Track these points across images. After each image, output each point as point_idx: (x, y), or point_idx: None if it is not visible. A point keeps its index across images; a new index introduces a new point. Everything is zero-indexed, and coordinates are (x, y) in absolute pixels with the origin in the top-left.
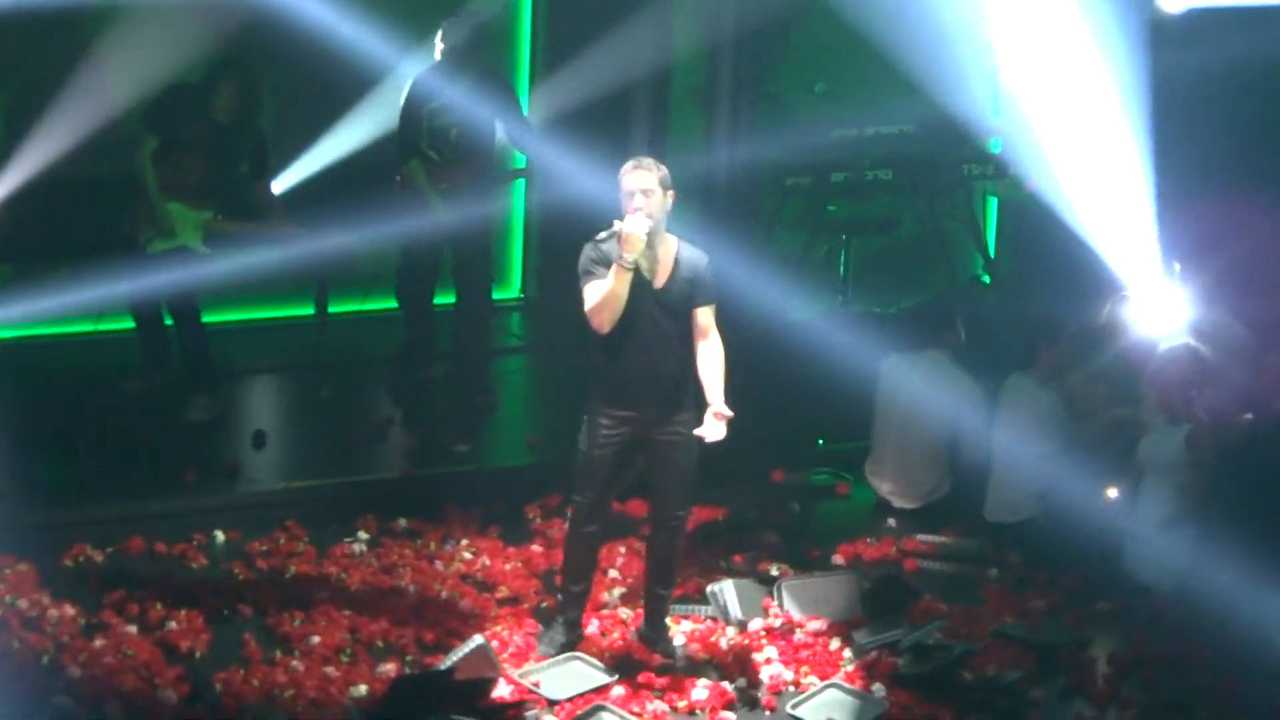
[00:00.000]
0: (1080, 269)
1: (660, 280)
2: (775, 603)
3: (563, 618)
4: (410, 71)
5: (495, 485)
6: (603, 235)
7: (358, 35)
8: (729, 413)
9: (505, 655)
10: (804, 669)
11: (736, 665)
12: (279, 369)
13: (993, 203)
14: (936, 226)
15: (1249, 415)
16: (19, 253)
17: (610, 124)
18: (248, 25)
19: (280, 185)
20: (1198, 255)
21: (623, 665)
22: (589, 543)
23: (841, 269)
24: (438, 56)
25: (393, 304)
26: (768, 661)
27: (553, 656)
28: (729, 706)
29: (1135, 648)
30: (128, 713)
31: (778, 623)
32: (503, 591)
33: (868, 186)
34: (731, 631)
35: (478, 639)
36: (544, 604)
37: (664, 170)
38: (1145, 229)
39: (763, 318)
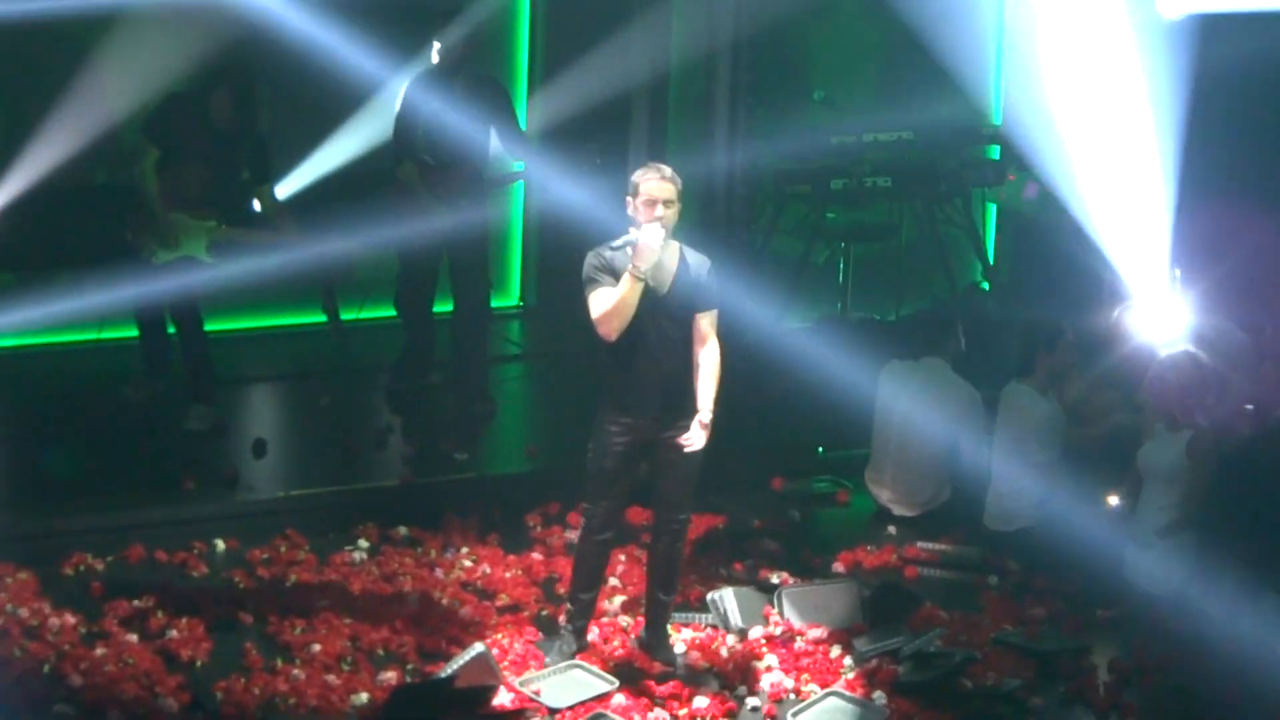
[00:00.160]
0: (1080, 276)
1: (665, 286)
2: (776, 610)
3: (571, 626)
4: (405, 77)
5: (495, 493)
6: (617, 243)
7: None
8: (708, 420)
9: (506, 663)
10: (805, 677)
11: (737, 673)
12: (278, 377)
13: (991, 209)
14: (935, 233)
15: (1250, 406)
16: (19, 261)
17: (608, 131)
18: (243, 34)
19: (281, 193)
20: (1201, 260)
21: (623, 673)
22: (602, 550)
23: (841, 276)
24: (434, 61)
25: (391, 311)
26: (768, 669)
27: (561, 663)
28: (729, 715)
29: (1135, 655)
30: None
31: (778, 630)
32: (503, 599)
33: (867, 193)
34: (732, 639)
35: (478, 647)
36: (544, 612)
37: (679, 180)
38: (1156, 234)
39: (762, 325)
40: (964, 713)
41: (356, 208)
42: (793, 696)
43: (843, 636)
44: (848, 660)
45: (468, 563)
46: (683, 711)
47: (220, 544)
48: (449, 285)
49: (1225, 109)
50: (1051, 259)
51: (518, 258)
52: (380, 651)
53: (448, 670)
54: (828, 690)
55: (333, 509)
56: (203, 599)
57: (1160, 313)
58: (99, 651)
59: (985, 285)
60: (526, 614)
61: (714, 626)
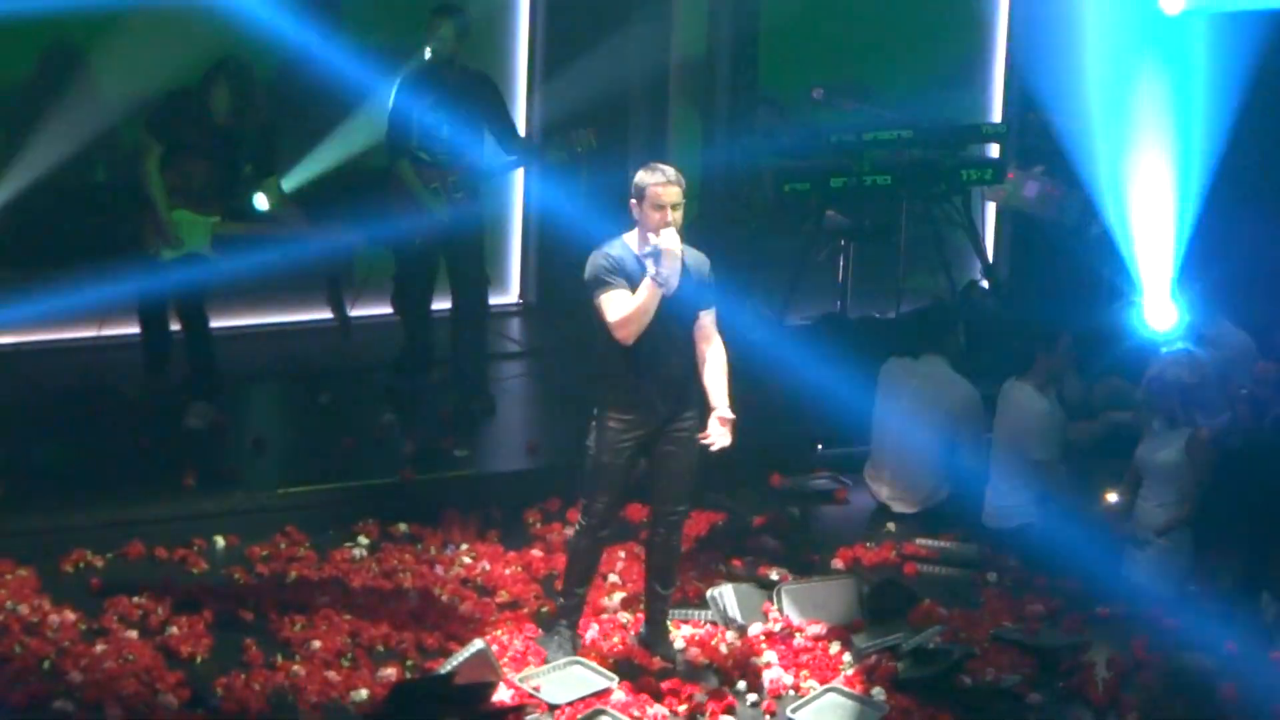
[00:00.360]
0: (1079, 274)
1: (673, 286)
2: (775, 607)
3: (567, 621)
4: (399, 73)
5: (495, 490)
6: (646, 251)
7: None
8: (733, 416)
9: (505, 660)
10: (804, 673)
11: (737, 670)
12: (278, 375)
13: (991, 207)
14: (935, 231)
15: (1243, 390)
16: (20, 258)
17: (608, 128)
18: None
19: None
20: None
21: (623, 669)
22: (599, 546)
23: (840, 274)
24: (427, 56)
25: (389, 309)
26: (768, 666)
27: (561, 660)
28: (729, 711)
29: (1134, 652)
30: (129, 717)
31: (777, 627)
32: (503, 596)
33: (866, 192)
34: (731, 636)
35: (478, 643)
36: (544, 609)
37: (684, 180)
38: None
39: (761, 322)
40: (963, 709)
41: (352, 206)
42: (792, 693)
43: (842, 633)
44: (847, 656)
45: (467, 559)
46: (682, 708)
47: (220, 541)
48: (446, 280)
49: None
50: (1051, 257)
51: (518, 255)
52: (380, 648)
53: (447, 667)
54: (827, 686)
55: (333, 506)
56: (203, 595)
57: (1161, 310)
58: (99, 648)
59: (984, 284)
60: (526, 611)
61: (713, 623)
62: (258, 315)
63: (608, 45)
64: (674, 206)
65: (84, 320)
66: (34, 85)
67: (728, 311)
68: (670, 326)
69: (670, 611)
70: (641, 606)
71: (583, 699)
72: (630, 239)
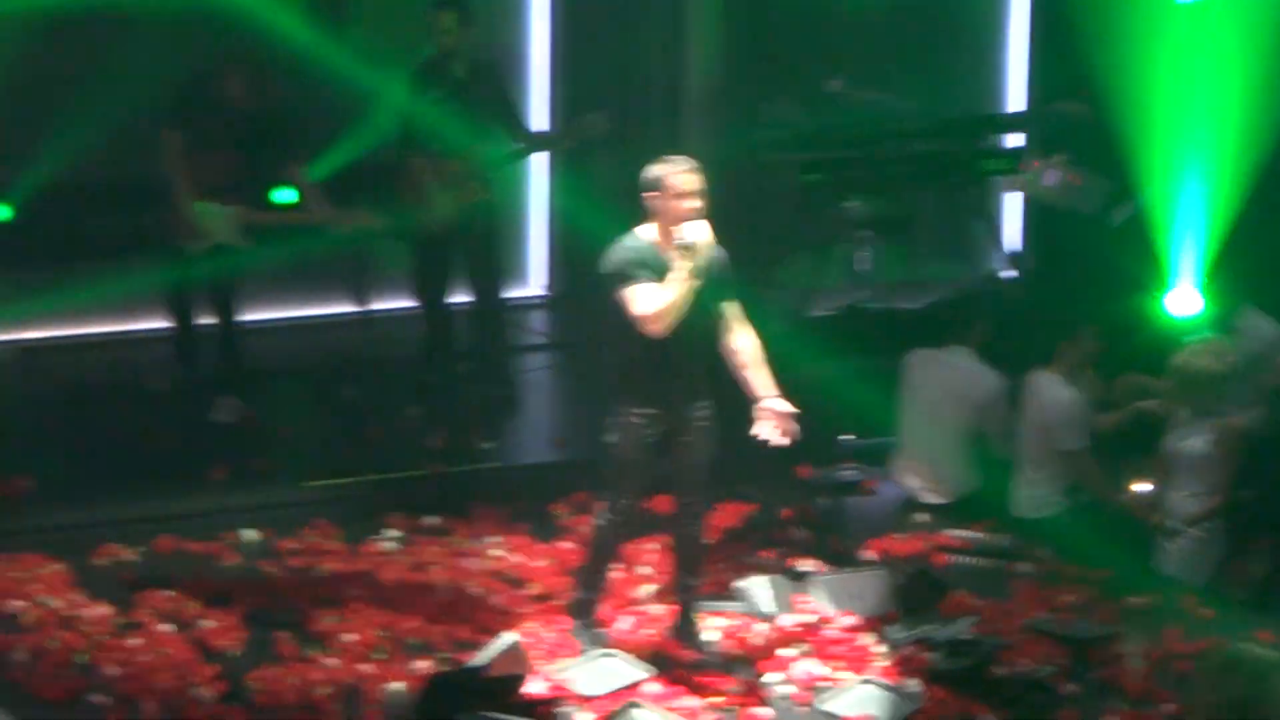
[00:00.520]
0: (1102, 264)
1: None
2: (806, 598)
3: (588, 617)
4: (408, 66)
5: (524, 482)
6: (681, 242)
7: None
8: (791, 408)
9: (537, 652)
10: (836, 664)
11: (768, 661)
12: (304, 368)
13: (1013, 197)
14: (954, 222)
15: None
16: (47, 253)
17: (625, 119)
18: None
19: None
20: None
21: (655, 661)
22: (620, 543)
23: (861, 265)
24: (437, 48)
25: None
26: (799, 658)
27: (593, 652)
28: (761, 703)
29: (1168, 643)
30: (164, 711)
31: (809, 618)
32: (534, 588)
33: (885, 182)
34: (763, 627)
35: (510, 636)
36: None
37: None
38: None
39: (785, 314)
40: (997, 700)
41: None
42: (825, 684)
43: (874, 624)
44: (879, 648)
45: (498, 552)
46: (714, 699)
47: (251, 534)
48: (463, 270)
49: None
50: (1074, 247)
51: (541, 247)
52: (412, 641)
53: (479, 659)
54: (861, 678)
55: (362, 499)
56: (236, 589)
57: (1185, 299)
58: (133, 642)
59: (1007, 274)
60: (558, 603)
61: (745, 615)
62: (284, 309)
63: (625, 35)
64: (695, 194)
65: (112, 315)
66: (56, 79)
67: (751, 304)
68: (691, 319)
69: (701, 603)
70: (673, 599)
71: (615, 691)
72: (646, 232)
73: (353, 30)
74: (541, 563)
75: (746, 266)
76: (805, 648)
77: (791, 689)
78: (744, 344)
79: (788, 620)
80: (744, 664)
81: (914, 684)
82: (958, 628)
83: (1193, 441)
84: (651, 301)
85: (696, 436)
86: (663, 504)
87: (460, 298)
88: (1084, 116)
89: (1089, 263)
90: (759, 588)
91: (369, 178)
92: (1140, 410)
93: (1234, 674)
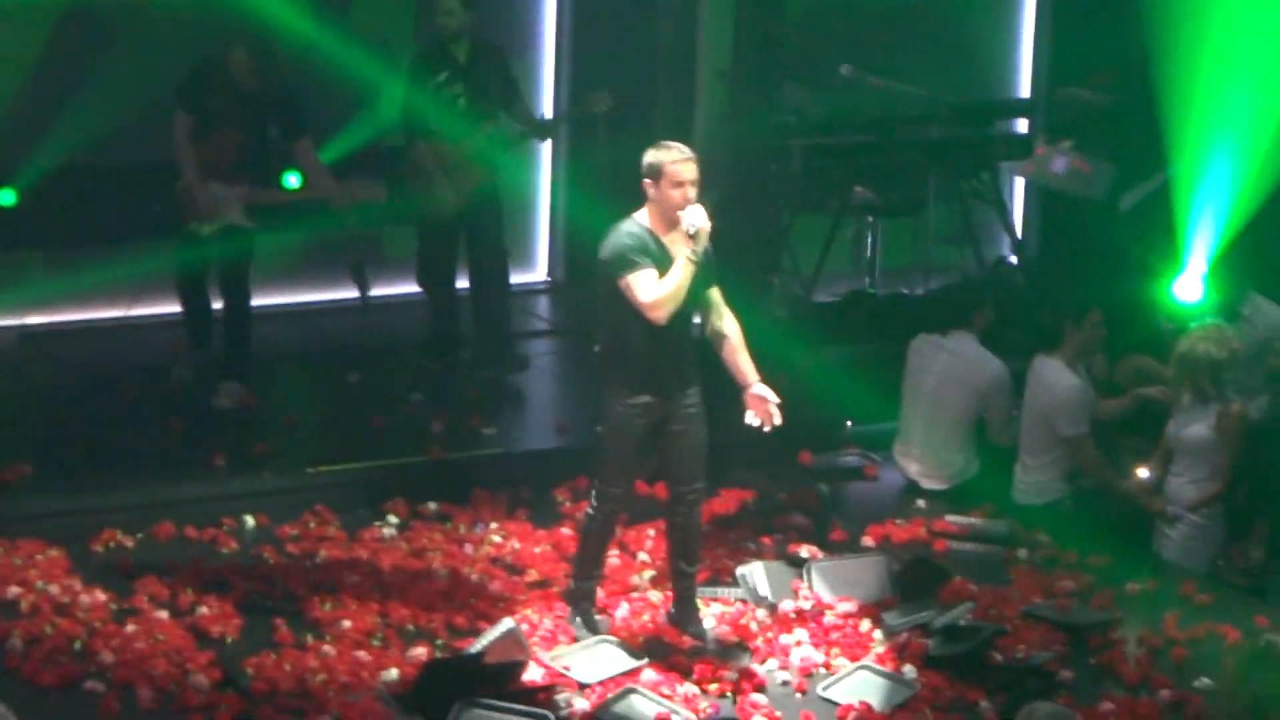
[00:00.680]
0: (1108, 250)
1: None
2: (805, 585)
3: (586, 605)
4: (411, 50)
5: (524, 469)
6: (688, 229)
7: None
8: (773, 396)
9: (535, 639)
10: (834, 651)
11: (767, 648)
12: (307, 354)
13: (1020, 183)
14: (963, 207)
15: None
16: (52, 238)
17: (635, 105)
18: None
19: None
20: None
21: (653, 648)
22: (612, 530)
23: (868, 250)
24: (440, 31)
25: (415, 287)
26: (798, 644)
27: (591, 639)
28: (759, 689)
29: (1165, 629)
30: (159, 698)
31: (808, 605)
32: (532, 575)
33: (894, 168)
34: (761, 614)
35: (508, 622)
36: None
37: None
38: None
39: (790, 299)
40: (994, 686)
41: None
42: (822, 670)
43: (873, 610)
44: (877, 634)
45: (497, 538)
46: (712, 685)
47: (250, 520)
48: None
49: None
50: (1080, 233)
51: (545, 232)
52: (410, 627)
53: (477, 646)
54: (858, 664)
55: (362, 485)
56: (233, 576)
57: (1190, 286)
58: (130, 628)
59: (1013, 259)
60: (556, 589)
61: (743, 601)
62: (287, 294)
63: (635, 20)
64: (693, 183)
65: (117, 299)
66: (65, 63)
67: (756, 289)
68: (684, 306)
69: (700, 589)
70: (669, 586)
71: (613, 677)
72: (643, 218)
73: (356, 13)
74: (540, 549)
75: (754, 251)
76: (804, 634)
77: (789, 675)
78: (729, 329)
79: (786, 606)
80: (742, 650)
81: (911, 670)
82: (956, 614)
83: (1195, 427)
84: (656, 288)
85: (688, 424)
86: (661, 490)
87: (464, 284)
88: (1095, 102)
89: (1095, 248)
90: (758, 574)
91: (374, 163)
92: (1143, 397)
93: (1265, 667)
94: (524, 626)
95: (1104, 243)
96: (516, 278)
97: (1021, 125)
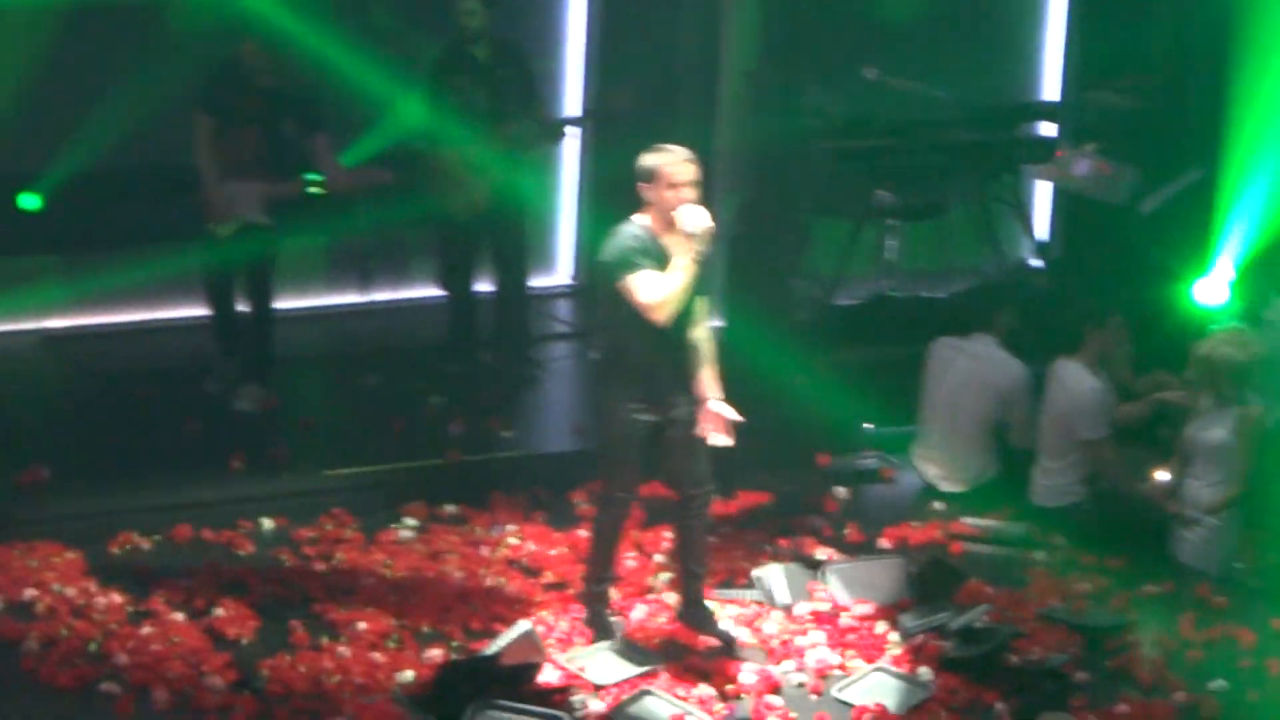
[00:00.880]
0: (1130, 253)
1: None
2: (821, 587)
3: (601, 609)
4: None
5: (542, 471)
6: (691, 229)
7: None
8: (733, 414)
9: (551, 640)
10: (850, 653)
11: (783, 650)
12: (325, 357)
13: (1043, 186)
14: (985, 210)
15: None
16: (72, 242)
17: (658, 107)
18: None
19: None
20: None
21: (669, 649)
22: (620, 533)
23: (890, 254)
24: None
25: (435, 290)
26: (814, 646)
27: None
28: (775, 691)
29: (1181, 632)
30: (175, 699)
31: (824, 607)
32: (549, 577)
33: (917, 170)
34: (777, 616)
35: (524, 624)
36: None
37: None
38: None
39: (811, 301)
40: (1009, 688)
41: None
42: (838, 672)
43: (889, 612)
44: (893, 636)
45: (514, 540)
46: (728, 687)
47: (267, 523)
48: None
49: None
50: (1102, 236)
51: (569, 236)
52: (426, 629)
53: (493, 648)
54: (874, 666)
55: (380, 487)
56: (250, 578)
57: (1213, 290)
58: (145, 630)
59: (1035, 262)
60: (572, 591)
61: (759, 603)
62: (305, 297)
63: (658, 21)
64: (690, 184)
65: (137, 302)
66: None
67: (778, 290)
68: (683, 309)
69: (717, 591)
70: (679, 589)
71: (628, 679)
72: (643, 221)
73: (377, 13)
74: (557, 551)
75: (776, 253)
76: (820, 636)
77: (805, 677)
78: (703, 340)
79: (802, 608)
80: (758, 652)
81: (926, 672)
82: (972, 616)
83: (1214, 431)
84: (657, 289)
85: (686, 428)
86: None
87: (485, 286)
88: (1122, 105)
89: (1117, 252)
90: (775, 576)
91: (396, 165)
92: (1162, 401)
93: None
94: (540, 628)
95: (1126, 246)
96: (538, 281)
97: (1046, 128)
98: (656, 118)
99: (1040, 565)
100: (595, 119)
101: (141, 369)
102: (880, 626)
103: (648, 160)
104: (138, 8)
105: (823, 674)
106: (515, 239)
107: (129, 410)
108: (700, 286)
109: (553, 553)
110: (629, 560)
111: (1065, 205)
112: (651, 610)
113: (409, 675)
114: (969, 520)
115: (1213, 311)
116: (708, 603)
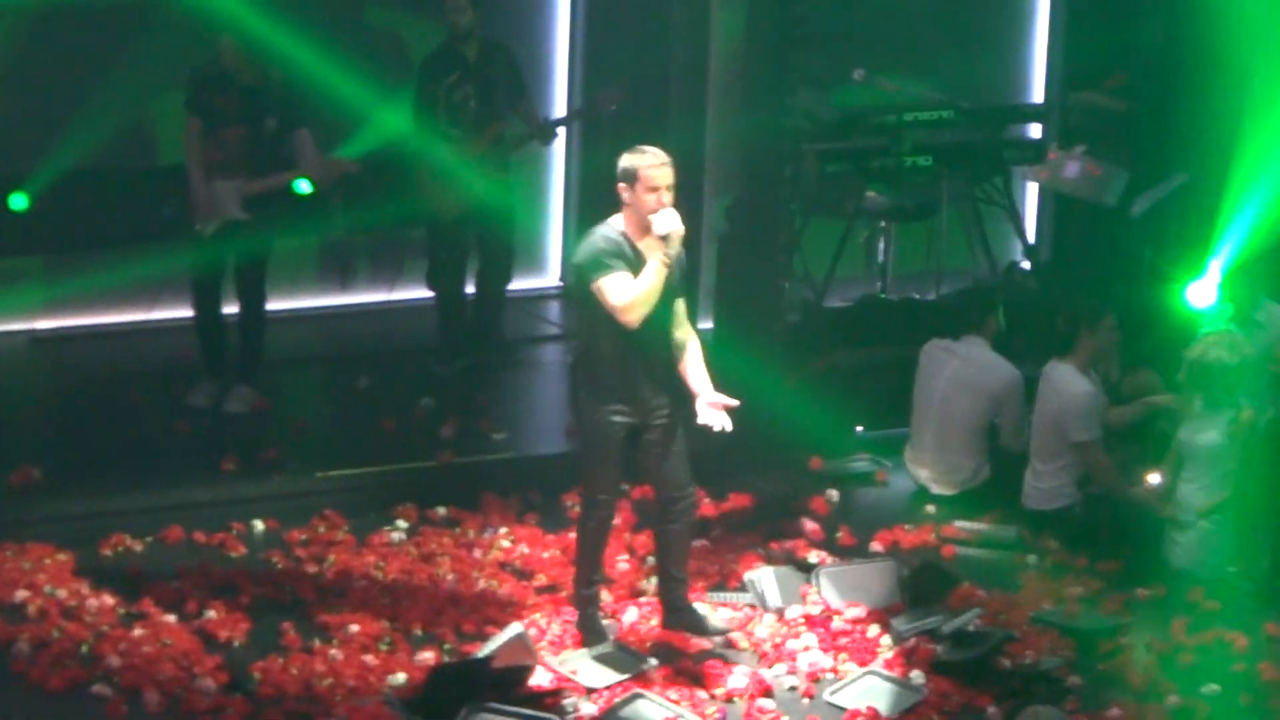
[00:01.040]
0: (1120, 255)
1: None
2: (813, 590)
3: (591, 611)
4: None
5: (534, 473)
6: (661, 231)
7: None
8: (728, 400)
9: (543, 643)
10: (842, 656)
11: (774, 653)
12: (316, 358)
13: (1033, 188)
14: (975, 212)
15: None
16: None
17: (648, 108)
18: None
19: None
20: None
21: (660, 652)
22: (606, 534)
23: (880, 255)
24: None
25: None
26: (806, 649)
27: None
28: (766, 694)
29: (1173, 635)
30: (166, 702)
31: (816, 610)
32: (541, 579)
33: (907, 172)
34: (769, 619)
35: (516, 627)
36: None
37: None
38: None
39: (802, 303)
40: (1002, 692)
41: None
42: (830, 676)
43: (881, 616)
44: (885, 639)
45: (506, 543)
46: (719, 691)
47: (259, 525)
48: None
49: None
50: (1092, 238)
51: (558, 238)
52: (418, 632)
53: (485, 650)
54: (866, 669)
55: (371, 489)
56: (241, 580)
57: (1203, 292)
58: (137, 632)
59: (1025, 264)
60: (564, 594)
61: (751, 606)
62: (296, 299)
63: (647, 22)
64: (669, 188)
65: (125, 303)
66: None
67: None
68: (657, 313)
69: (708, 594)
70: (661, 593)
71: (620, 682)
72: (618, 224)
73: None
74: (549, 553)
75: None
76: (812, 639)
77: (797, 680)
78: (690, 342)
79: (795, 612)
80: (750, 655)
81: (919, 675)
82: (964, 619)
83: (1206, 434)
84: (628, 291)
85: (665, 434)
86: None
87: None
88: (1109, 106)
89: (1107, 253)
90: (766, 579)
91: (384, 167)
92: (1153, 404)
93: None
94: (532, 631)
95: (1116, 248)
96: (529, 282)
97: (1034, 130)
98: (646, 118)
99: (1032, 568)
100: (584, 119)
101: (131, 370)
102: (872, 630)
103: (626, 161)
104: (123, 9)
105: (815, 677)
106: (503, 241)
107: (120, 412)
108: (676, 289)
109: (545, 555)
110: (621, 563)
111: (1055, 207)
112: (643, 613)
113: (401, 678)
114: (961, 523)
115: (1203, 314)
116: (696, 605)
